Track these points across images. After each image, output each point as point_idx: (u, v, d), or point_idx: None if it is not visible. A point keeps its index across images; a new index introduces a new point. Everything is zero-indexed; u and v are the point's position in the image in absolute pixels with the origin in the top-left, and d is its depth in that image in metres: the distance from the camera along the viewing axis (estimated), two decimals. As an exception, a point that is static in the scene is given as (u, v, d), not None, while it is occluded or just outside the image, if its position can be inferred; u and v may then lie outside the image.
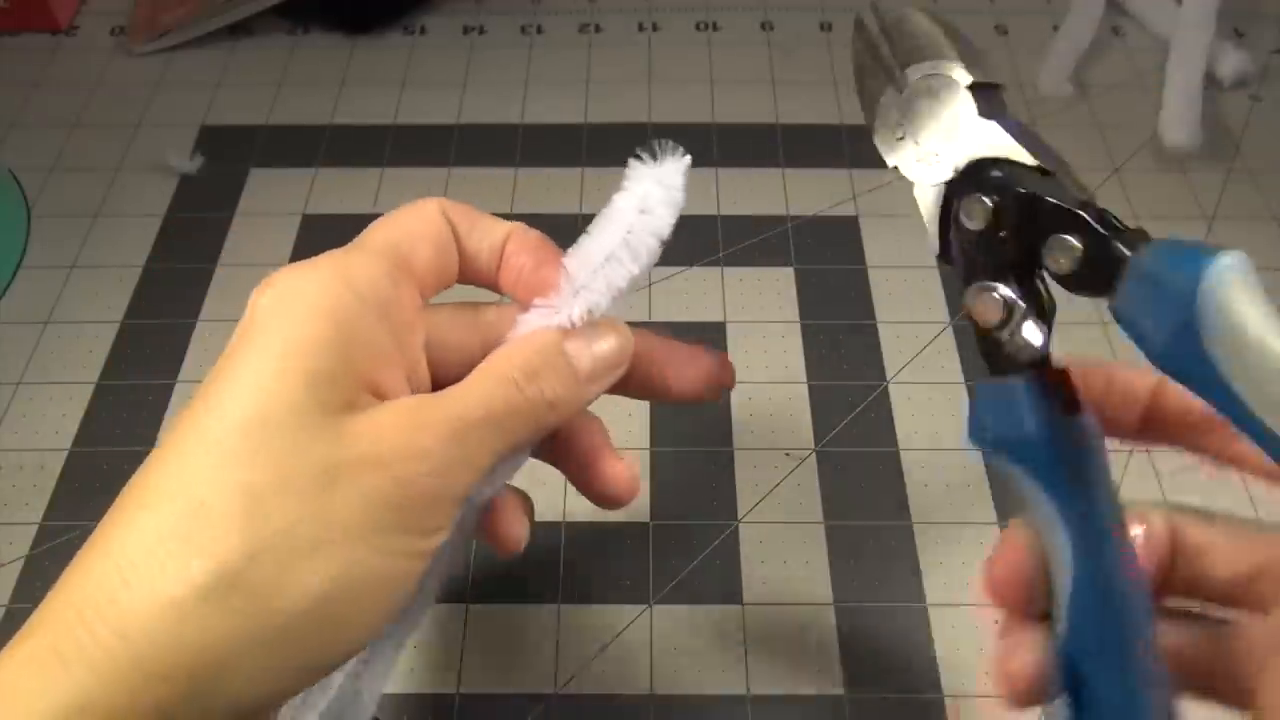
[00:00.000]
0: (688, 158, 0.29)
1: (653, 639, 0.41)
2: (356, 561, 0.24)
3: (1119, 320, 0.25)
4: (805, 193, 0.57)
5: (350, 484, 0.24)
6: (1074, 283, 0.26)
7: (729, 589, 0.43)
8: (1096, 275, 0.26)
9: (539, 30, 0.67)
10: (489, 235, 0.30)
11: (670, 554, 0.44)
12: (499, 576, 0.43)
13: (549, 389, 0.28)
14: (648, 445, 0.47)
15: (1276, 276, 0.54)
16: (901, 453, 0.47)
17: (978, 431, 0.27)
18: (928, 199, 0.29)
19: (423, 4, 0.68)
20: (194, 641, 0.22)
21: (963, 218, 0.28)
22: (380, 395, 0.26)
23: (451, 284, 0.31)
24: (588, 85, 0.63)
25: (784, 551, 0.44)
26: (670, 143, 0.29)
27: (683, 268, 0.54)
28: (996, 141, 0.28)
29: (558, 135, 0.60)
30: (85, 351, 0.51)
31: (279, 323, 0.25)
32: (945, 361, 0.50)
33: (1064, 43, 0.64)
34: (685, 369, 0.33)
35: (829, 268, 0.54)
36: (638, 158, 0.29)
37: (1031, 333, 0.27)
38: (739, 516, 0.45)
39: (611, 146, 0.59)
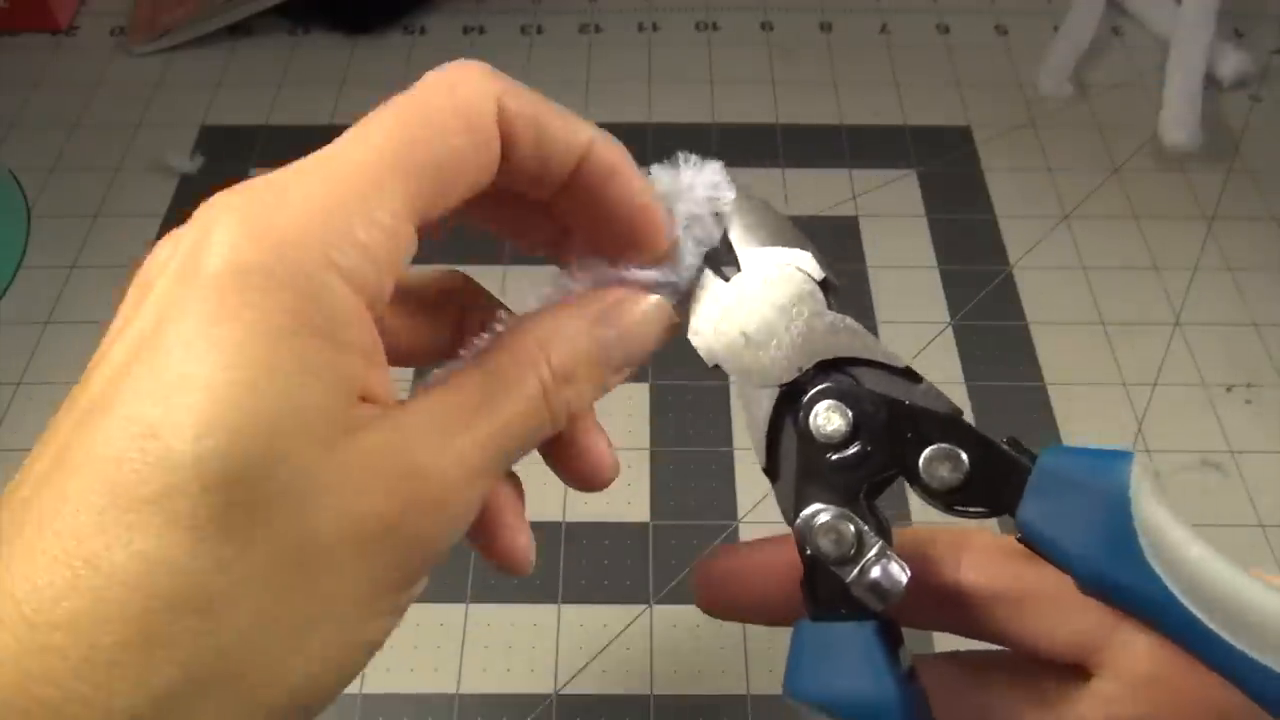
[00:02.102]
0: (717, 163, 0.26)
1: (653, 639, 0.41)
2: (348, 638, 0.20)
3: (1029, 536, 0.22)
4: (805, 193, 0.57)
5: (353, 554, 0.19)
6: (957, 498, 0.23)
7: (729, 589, 0.43)
8: (988, 489, 0.23)
9: (539, 30, 0.67)
10: (569, 138, 0.22)
11: (670, 554, 0.44)
12: (499, 576, 0.43)
13: (579, 397, 0.23)
14: (647, 445, 0.47)
15: (1277, 276, 0.55)
16: (901, 453, 0.47)
17: (802, 684, 0.23)
18: (760, 404, 0.24)
19: (423, 4, 0.68)
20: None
21: (814, 427, 0.24)
22: (367, 399, 0.20)
23: (475, 194, 0.22)
24: (588, 85, 0.63)
25: (784, 551, 0.44)
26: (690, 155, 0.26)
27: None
28: (851, 341, 0.24)
29: (558, 135, 0.60)
30: (85, 351, 0.50)
31: (228, 309, 0.18)
32: (945, 361, 0.50)
33: (1064, 43, 0.64)
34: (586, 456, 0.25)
35: (829, 268, 0.54)
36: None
37: (895, 572, 0.23)
38: (739, 516, 0.45)
39: (611, 146, 0.59)
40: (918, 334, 0.51)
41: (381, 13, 0.67)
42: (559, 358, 0.22)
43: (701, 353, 0.25)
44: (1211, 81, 0.62)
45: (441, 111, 0.20)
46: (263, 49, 0.66)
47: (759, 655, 0.41)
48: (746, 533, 0.44)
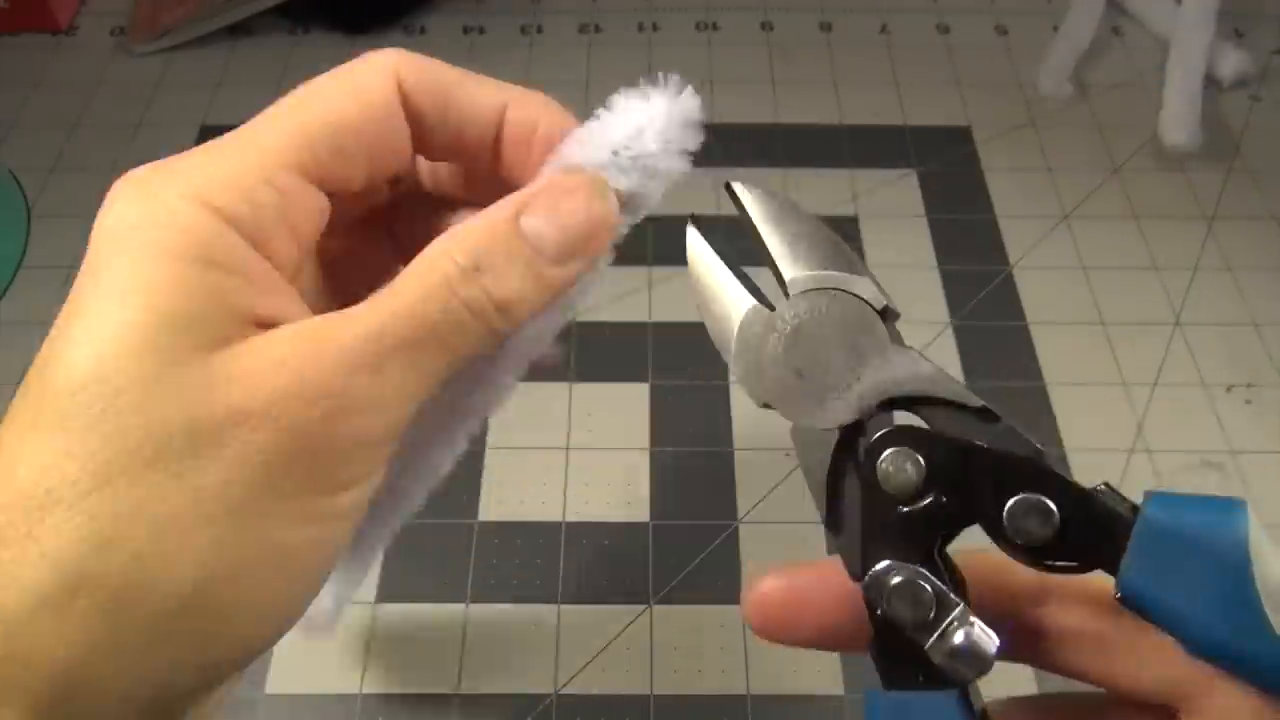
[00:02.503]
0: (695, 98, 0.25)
1: (653, 639, 0.41)
2: (241, 538, 0.19)
3: (1132, 598, 0.20)
4: (805, 193, 0.57)
5: (223, 444, 0.19)
6: (1048, 554, 0.21)
7: (729, 589, 0.43)
8: (1082, 543, 0.20)
9: (539, 30, 0.67)
10: (476, 103, 0.23)
11: (670, 554, 0.44)
12: (499, 576, 0.43)
13: (498, 285, 0.21)
14: (647, 445, 0.47)
15: (1277, 276, 0.55)
16: (901, 453, 0.47)
17: None
18: (818, 449, 0.22)
19: (423, 4, 0.68)
20: (45, 653, 0.19)
21: (881, 476, 0.21)
22: (267, 325, 0.21)
23: (397, 173, 0.24)
24: (588, 85, 0.63)
25: (784, 551, 0.44)
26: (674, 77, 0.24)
27: (683, 267, 0.53)
28: (919, 376, 0.22)
29: (558, 135, 0.60)
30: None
31: (120, 254, 0.20)
32: (945, 361, 0.50)
33: (1064, 43, 0.64)
34: None
35: (829, 268, 0.54)
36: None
37: (981, 640, 0.20)
38: (739, 516, 0.45)
39: (611, 146, 0.59)
40: (918, 334, 0.51)
41: (381, 13, 0.67)
42: (465, 247, 0.21)
43: (748, 392, 0.23)
44: (1211, 81, 0.62)
45: (333, 88, 0.23)
46: (263, 49, 0.66)
47: (759, 655, 0.41)
48: (746, 533, 0.44)
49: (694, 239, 0.24)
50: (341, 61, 0.24)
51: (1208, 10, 0.61)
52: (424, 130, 0.23)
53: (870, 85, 0.64)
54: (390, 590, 0.42)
